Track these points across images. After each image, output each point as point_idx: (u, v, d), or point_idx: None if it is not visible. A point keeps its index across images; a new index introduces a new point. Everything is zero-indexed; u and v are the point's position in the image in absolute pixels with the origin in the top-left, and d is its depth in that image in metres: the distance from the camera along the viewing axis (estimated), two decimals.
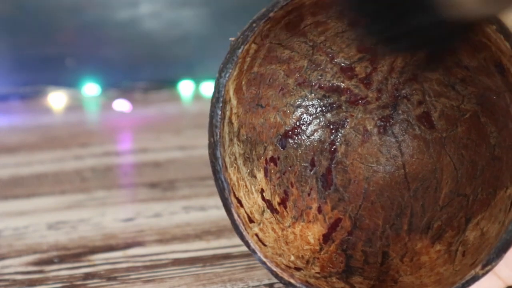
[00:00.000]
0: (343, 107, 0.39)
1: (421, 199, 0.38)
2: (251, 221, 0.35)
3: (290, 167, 0.38)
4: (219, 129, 0.34)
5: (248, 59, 0.34)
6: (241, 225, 0.34)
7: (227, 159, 0.34)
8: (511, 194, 0.34)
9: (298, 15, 0.35)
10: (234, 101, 0.35)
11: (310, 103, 0.38)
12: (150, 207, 0.49)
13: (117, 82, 0.74)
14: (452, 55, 0.36)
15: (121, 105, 0.71)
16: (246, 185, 0.36)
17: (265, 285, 0.39)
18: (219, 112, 0.34)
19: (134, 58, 0.76)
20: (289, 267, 0.35)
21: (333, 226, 0.38)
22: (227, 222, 0.46)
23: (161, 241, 0.44)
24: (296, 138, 0.39)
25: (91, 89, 0.74)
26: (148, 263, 0.41)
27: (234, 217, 0.34)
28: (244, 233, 0.34)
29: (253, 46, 0.34)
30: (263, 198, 0.37)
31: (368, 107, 0.39)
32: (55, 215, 0.48)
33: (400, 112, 0.39)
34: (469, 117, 0.37)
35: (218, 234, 0.45)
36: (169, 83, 0.75)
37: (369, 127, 0.39)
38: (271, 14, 0.33)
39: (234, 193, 0.34)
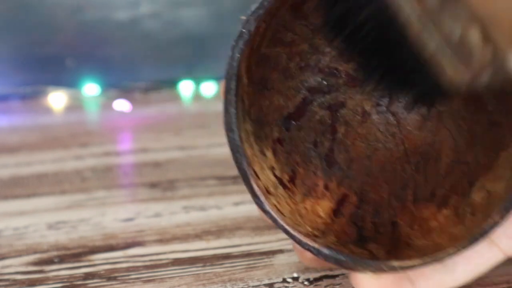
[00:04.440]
0: (342, 90, 0.39)
1: (423, 171, 0.39)
2: (269, 193, 0.35)
3: (295, 148, 0.39)
4: (235, 103, 0.33)
5: (257, 38, 0.34)
6: (261, 195, 0.34)
7: (242, 134, 0.34)
8: None
9: None
10: (245, 80, 0.35)
11: (310, 86, 0.39)
12: (150, 207, 0.49)
13: (117, 82, 0.74)
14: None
15: (121, 105, 0.71)
16: (259, 162, 0.36)
17: (265, 285, 0.39)
18: (234, 87, 0.33)
19: (134, 58, 0.76)
20: (309, 235, 0.35)
21: (341, 201, 0.39)
22: (227, 222, 0.46)
23: (161, 241, 0.44)
24: (299, 120, 0.39)
25: (91, 89, 0.74)
26: (148, 263, 0.41)
27: (254, 187, 0.34)
28: (265, 202, 0.34)
29: (263, 24, 0.34)
30: (274, 175, 0.37)
31: (366, 89, 0.39)
32: (55, 215, 0.48)
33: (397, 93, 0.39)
34: (465, 88, 0.37)
35: (218, 234, 0.45)
36: (169, 83, 0.75)
37: (367, 108, 0.40)
38: None
39: (250, 165, 0.34)
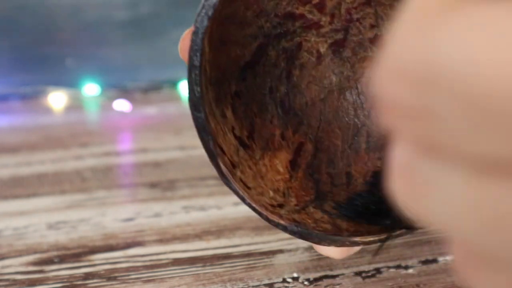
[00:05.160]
0: (297, 32, 0.39)
1: (376, 119, 0.40)
2: (233, 166, 0.35)
3: (252, 97, 0.39)
4: (199, 81, 0.32)
5: (220, 6, 0.33)
6: (228, 174, 0.34)
7: (207, 109, 0.34)
8: None
9: None
10: (207, 49, 0.34)
11: (266, 32, 0.39)
12: (150, 207, 0.49)
13: (117, 82, 0.74)
14: None
15: (121, 105, 0.71)
16: (221, 128, 0.36)
17: (265, 285, 0.39)
18: (198, 63, 0.32)
19: (134, 58, 0.76)
20: (273, 206, 0.35)
21: (297, 151, 0.39)
22: (227, 222, 0.46)
23: (161, 241, 0.44)
24: (254, 68, 0.39)
25: (91, 89, 0.74)
26: (148, 263, 0.41)
27: (221, 167, 0.33)
28: (232, 181, 0.34)
29: None
30: (235, 136, 0.37)
31: (321, 30, 0.39)
32: (55, 215, 0.48)
33: (352, 35, 0.40)
34: None
35: (218, 234, 0.45)
36: (169, 83, 0.75)
37: (322, 50, 0.40)
38: None
39: (216, 141, 0.34)
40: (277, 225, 0.34)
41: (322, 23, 0.39)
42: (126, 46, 0.75)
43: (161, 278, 0.39)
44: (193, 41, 0.32)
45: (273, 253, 0.42)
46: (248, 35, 0.38)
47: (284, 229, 0.34)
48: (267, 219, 0.34)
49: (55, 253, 0.43)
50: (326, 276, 0.39)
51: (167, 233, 0.45)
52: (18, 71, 0.75)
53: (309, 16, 0.39)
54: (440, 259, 0.40)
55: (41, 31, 0.74)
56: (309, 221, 0.35)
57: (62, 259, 0.42)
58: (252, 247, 0.43)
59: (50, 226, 0.46)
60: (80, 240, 0.44)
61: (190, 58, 0.32)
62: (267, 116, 0.39)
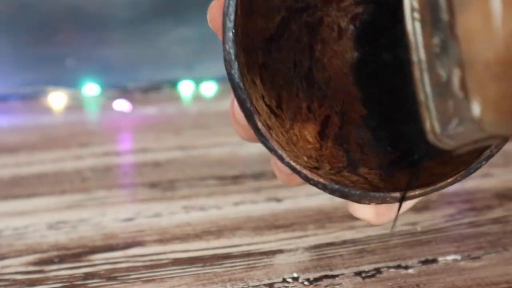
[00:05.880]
0: (318, 6, 0.39)
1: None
2: (269, 127, 0.35)
3: (277, 70, 0.39)
4: (234, 39, 0.33)
5: None
6: (266, 132, 0.34)
7: (241, 69, 0.34)
8: None
9: None
10: (239, 10, 0.34)
11: (289, 5, 0.39)
12: (150, 207, 0.49)
13: (117, 82, 0.74)
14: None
15: (121, 105, 0.71)
16: (254, 93, 0.36)
17: (265, 285, 0.39)
18: (233, 21, 0.33)
19: (134, 58, 0.76)
20: (310, 167, 0.35)
21: (324, 123, 0.39)
22: (227, 222, 0.46)
23: (161, 241, 0.44)
24: (279, 41, 0.39)
25: (91, 89, 0.74)
26: (148, 263, 0.41)
27: (258, 125, 0.34)
28: (270, 139, 0.34)
29: None
30: (265, 103, 0.37)
31: (341, 5, 0.39)
32: (55, 215, 0.48)
33: (371, 8, 0.39)
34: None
35: (218, 234, 0.45)
36: (169, 83, 0.75)
37: (342, 25, 0.40)
38: None
39: (252, 101, 0.34)
40: (316, 184, 0.34)
41: None
42: (126, 46, 0.75)
43: (161, 278, 0.39)
44: (227, 1, 0.33)
45: (273, 253, 0.42)
46: (272, 8, 0.38)
47: (324, 187, 0.34)
48: (306, 178, 0.34)
49: (55, 253, 0.43)
50: (326, 276, 0.39)
51: (167, 233, 0.45)
52: (18, 71, 0.75)
53: None
54: (440, 259, 0.40)
55: (41, 31, 0.74)
56: (347, 181, 0.36)
57: (62, 259, 0.42)
58: (252, 247, 0.43)
59: (50, 226, 0.46)
60: (80, 240, 0.44)
61: (225, 16, 0.33)
62: (293, 89, 0.39)
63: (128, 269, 0.40)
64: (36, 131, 0.66)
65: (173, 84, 0.74)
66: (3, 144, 0.62)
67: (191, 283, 0.39)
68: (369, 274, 0.40)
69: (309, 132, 0.38)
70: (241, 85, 0.33)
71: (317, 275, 0.40)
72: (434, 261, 0.39)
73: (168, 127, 0.65)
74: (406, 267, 0.39)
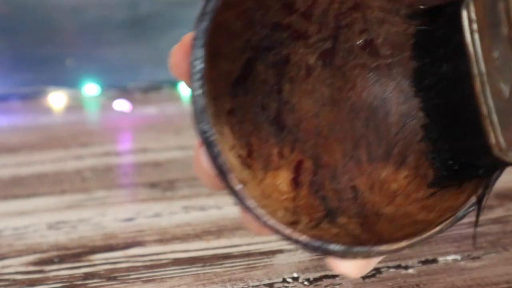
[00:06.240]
0: (285, 44, 0.38)
1: (374, 128, 0.38)
2: (243, 183, 0.32)
3: (245, 115, 0.37)
4: (203, 91, 0.30)
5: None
6: (241, 190, 0.31)
7: (211, 122, 0.32)
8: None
9: None
10: (205, 57, 0.32)
11: (254, 44, 0.37)
12: (150, 207, 0.49)
13: (117, 82, 0.74)
14: None
15: (121, 105, 0.71)
16: (224, 146, 0.34)
17: (265, 285, 0.39)
18: (201, 70, 0.30)
19: (134, 58, 0.76)
20: (289, 223, 0.33)
21: (297, 169, 0.37)
22: (227, 222, 0.46)
23: (161, 241, 0.44)
24: (245, 83, 0.37)
25: (91, 89, 0.74)
26: (148, 263, 0.41)
27: (233, 183, 0.31)
28: (246, 197, 0.31)
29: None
30: (236, 155, 0.35)
31: (309, 41, 0.38)
32: (55, 215, 0.48)
33: (341, 42, 0.38)
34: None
35: (218, 234, 0.45)
36: (169, 83, 0.75)
37: (311, 62, 0.38)
38: None
39: (225, 158, 0.31)
40: (297, 242, 0.32)
41: (309, 33, 0.37)
42: (126, 46, 0.75)
43: (161, 278, 0.39)
44: (194, 47, 0.31)
45: (273, 253, 0.42)
46: (237, 49, 0.36)
47: (305, 246, 0.32)
48: (287, 236, 0.32)
49: (55, 253, 0.43)
50: (326, 276, 0.39)
51: (167, 233, 0.45)
52: (18, 71, 0.75)
53: (296, 26, 0.37)
54: (440, 259, 0.40)
55: (41, 31, 0.74)
56: (328, 235, 0.33)
57: (62, 259, 0.42)
58: (252, 247, 0.43)
59: (50, 226, 0.46)
60: (80, 240, 0.44)
61: (193, 66, 0.31)
62: (262, 135, 0.37)
63: (128, 269, 0.40)
64: (36, 131, 0.66)
65: (173, 84, 0.74)
66: (3, 144, 0.62)
67: (191, 283, 0.39)
68: (369, 274, 0.40)
69: (283, 180, 0.37)
70: (213, 139, 0.30)
71: (317, 275, 0.40)
72: (434, 261, 0.39)
73: (168, 127, 0.65)
74: (406, 267, 0.39)
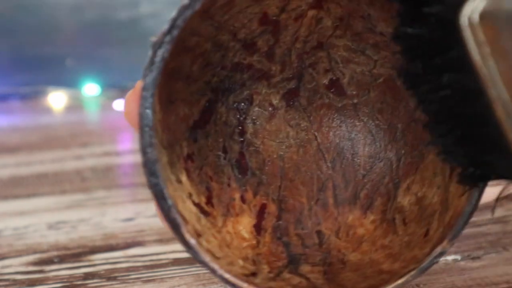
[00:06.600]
0: (247, 85, 0.37)
1: (341, 169, 0.38)
2: (198, 235, 0.32)
3: (205, 159, 0.36)
4: (154, 144, 0.30)
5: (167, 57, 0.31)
6: (195, 245, 0.30)
7: (163, 173, 0.30)
8: None
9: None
10: (157, 107, 0.31)
11: (214, 86, 0.36)
12: (150, 207, 0.48)
13: (117, 82, 0.74)
14: (364, 21, 0.34)
15: (121, 105, 0.71)
16: (180, 195, 0.32)
17: None
18: (150, 124, 0.29)
19: (134, 58, 0.76)
20: (247, 275, 0.33)
21: (260, 214, 0.37)
22: None
23: (161, 241, 0.44)
24: (205, 127, 0.36)
25: (91, 89, 0.74)
26: (148, 263, 0.41)
27: (186, 237, 0.30)
28: (200, 251, 0.30)
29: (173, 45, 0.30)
30: (193, 203, 0.34)
31: (272, 81, 0.37)
32: (55, 215, 0.48)
33: (306, 82, 0.37)
34: (383, 82, 0.36)
35: None
36: None
37: (274, 102, 0.38)
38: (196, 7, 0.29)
39: (177, 209, 0.30)
40: None
41: (272, 72, 0.37)
42: (126, 46, 0.75)
43: (161, 278, 0.39)
44: (143, 98, 0.30)
45: None
46: (195, 92, 0.35)
47: None
48: None
49: (55, 253, 0.43)
50: None
51: (167, 233, 0.45)
52: (18, 71, 0.75)
53: (258, 66, 0.36)
54: (440, 259, 0.40)
55: (41, 31, 0.74)
56: (285, 285, 0.33)
57: (62, 259, 0.42)
58: None
59: (50, 226, 0.46)
60: (80, 240, 0.44)
61: (142, 118, 0.29)
62: (223, 179, 0.36)
63: (128, 269, 0.40)
64: (36, 131, 0.66)
65: None
66: (3, 144, 0.62)
67: (191, 283, 0.39)
68: None
69: (244, 226, 0.36)
70: (164, 192, 0.29)
71: None
72: None
73: None
74: None
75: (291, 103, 0.38)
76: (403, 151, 0.36)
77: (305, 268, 0.35)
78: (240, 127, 0.38)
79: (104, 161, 0.57)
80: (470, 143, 0.29)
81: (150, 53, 0.30)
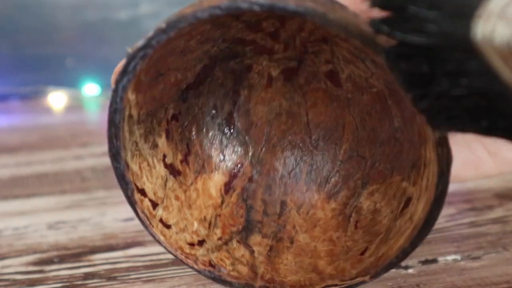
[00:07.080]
0: (248, 55, 0.38)
1: (321, 149, 0.39)
2: (154, 205, 0.35)
3: (192, 117, 0.37)
4: (120, 137, 0.33)
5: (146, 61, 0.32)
6: (146, 219, 0.35)
7: (128, 156, 0.34)
8: (406, 189, 0.34)
9: None
10: (132, 97, 0.33)
11: (212, 54, 0.37)
12: None
13: None
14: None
15: None
16: (148, 163, 0.35)
17: None
18: (118, 120, 0.32)
19: None
20: (192, 244, 0.35)
21: (234, 174, 0.38)
22: None
23: None
24: (198, 88, 0.37)
25: (91, 89, 0.74)
26: (148, 263, 0.41)
27: (139, 214, 0.34)
28: (149, 227, 0.35)
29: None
30: (165, 165, 0.36)
31: (274, 56, 0.38)
32: (55, 215, 0.48)
33: (307, 65, 0.38)
34: (376, 93, 0.37)
35: None
36: None
37: (273, 74, 0.38)
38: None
39: (136, 186, 0.34)
40: (192, 268, 0.35)
41: (275, 50, 0.37)
42: (126, 46, 0.75)
43: (161, 278, 0.39)
44: (112, 100, 0.32)
45: None
46: (192, 59, 0.36)
47: (198, 272, 0.35)
48: (181, 261, 0.35)
49: (55, 253, 0.43)
50: None
51: None
52: (18, 71, 0.75)
53: (261, 43, 0.37)
54: (440, 259, 0.40)
55: (41, 31, 0.74)
56: (227, 261, 0.35)
57: (62, 259, 0.42)
58: None
59: (50, 226, 0.46)
60: (80, 240, 0.44)
61: (110, 115, 0.32)
62: (207, 136, 0.38)
63: (128, 269, 0.40)
64: (36, 131, 0.66)
65: None
66: (3, 144, 0.62)
67: (191, 283, 0.39)
68: None
69: (215, 183, 0.37)
70: (125, 176, 0.34)
71: None
72: (434, 261, 0.39)
73: None
74: (406, 267, 0.39)
75: (290, 79, 0.39)
76: (379, 158, 0.37)
77: (255, 238, 0.36)
78: (234, 90, 0.38)
79: (104, 161, 0.57)
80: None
81: (124, 61, 0.32)
